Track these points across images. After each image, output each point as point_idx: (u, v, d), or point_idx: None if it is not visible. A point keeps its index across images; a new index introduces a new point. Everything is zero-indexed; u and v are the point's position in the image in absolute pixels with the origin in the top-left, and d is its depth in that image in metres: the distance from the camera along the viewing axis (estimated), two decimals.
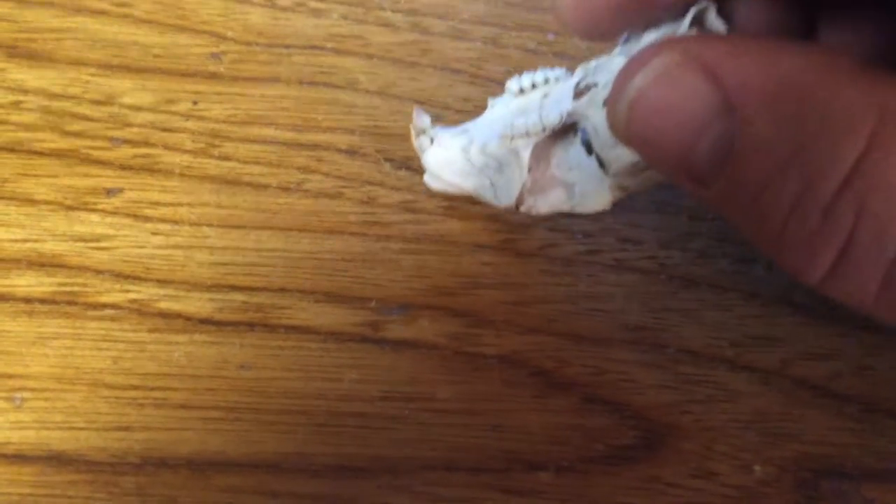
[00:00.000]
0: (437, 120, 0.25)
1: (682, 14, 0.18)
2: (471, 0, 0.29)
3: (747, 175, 0.15)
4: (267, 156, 0.25)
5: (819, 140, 0.14)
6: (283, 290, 0.22)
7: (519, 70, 0.26)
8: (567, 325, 0.23)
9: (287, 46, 0.27)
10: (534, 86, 0.22)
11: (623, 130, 0.16)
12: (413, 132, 0.23)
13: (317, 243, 0.23)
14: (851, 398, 0.22)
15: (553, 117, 0.20)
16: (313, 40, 0.27)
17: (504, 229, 0.24)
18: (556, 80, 0.22)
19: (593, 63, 0.20)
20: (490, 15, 0.29)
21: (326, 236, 0.23)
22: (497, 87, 0.27)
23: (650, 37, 0.19)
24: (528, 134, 0.21)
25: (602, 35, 0.19)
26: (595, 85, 0.20)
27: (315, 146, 0.25)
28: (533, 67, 0.27)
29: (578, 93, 0.20)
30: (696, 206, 0.25)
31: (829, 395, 0.22)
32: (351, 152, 0.25)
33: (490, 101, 0.23)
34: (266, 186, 0.24)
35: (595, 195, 0.21)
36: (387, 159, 0.25)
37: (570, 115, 0.20)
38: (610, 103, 0.17)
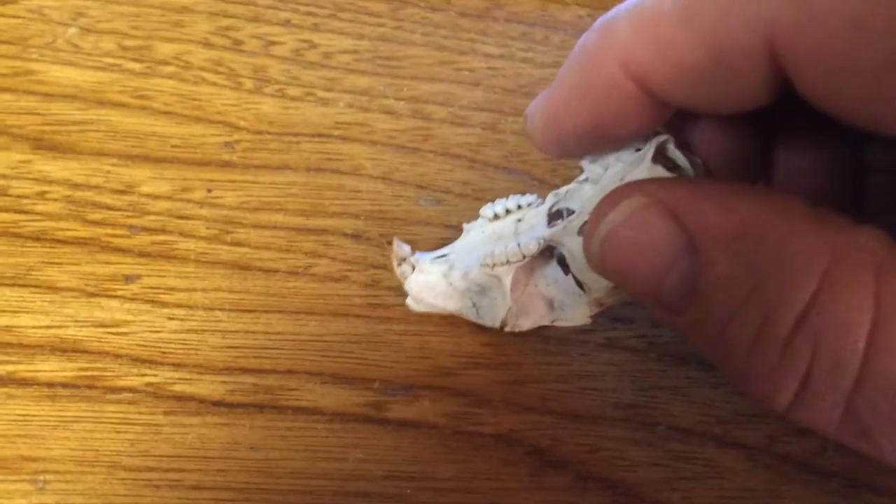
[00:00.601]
0: (437, 203, 0.27)
1: (644, 138, 0.20)
2: (469, 88, 0.31)
3: (711, 310, 0.16)
4: (277, 241, 0.26)
5: (775, 279, 0.15)
6: (290, 371, 0.24)
7: (515, 154, 0.28)
8: (561, 403, 0.24)
9: (296, 134, 0.29)
10: (507, 211, 0.23)
11: (598, 265, 0.18)
12: (394, 260, 0.24)
13: (323, 326, 0.25)
14: (835, 474, 0.23)
15: (531, 246, 0.22)
16: (320, 128, 0.29)
17: None
18: (528, 205, 0.23)
19: (563, 190, 0.22)
20: (488, 102, 0.31)
21: (332, 319, 0.25)
22: (494, 171, 0.29)
23: (612, 160, 0.20)
24: (508, 262, 0.22)
25: (568, 155, 0.21)
26: (569, 211, 0.21)
27: (322, 231, 0.27)
28: (529, 152, 0.29)
29: (552, 216, 0.22)
30: None
31: (813, 471, 0.23)
32: (356, 236, 0.26)
33: (465, 227, 0.25)
34: (275, 271, 0.26)
35: (574, 310, 0.22)
36: (390, 243, 0.26)
37: (546, 241, 0.22)
38: (585, 240, 0.18)
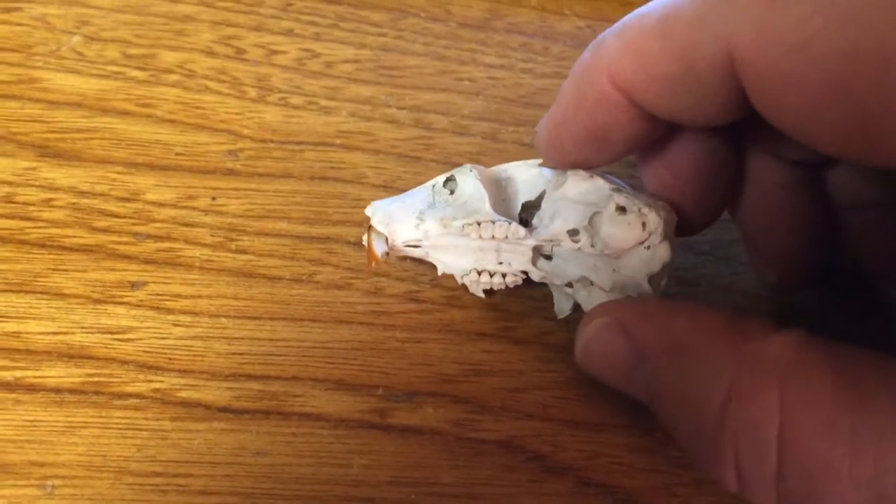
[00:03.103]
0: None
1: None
2: (470, 97, 0.31)
3: (664, 412, 0.19)
4: (281, 249, 0.26)
5: (698, 388, 0.17)
6: (295, 378, 0.24)
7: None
8: (562, 410, 0.24)
9: (299, 143, 0.29)
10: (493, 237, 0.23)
11: (582, 365, 0.21)
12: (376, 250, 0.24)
13: (327, 333, 0.25)
14: None
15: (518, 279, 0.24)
16: (323, 137, 0.29)
17: (502, 318, 0.26)
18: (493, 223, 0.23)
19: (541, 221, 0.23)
20: (488, 111, 0.31)
21: (336, 326, 0.25)
22: None
23: (572, 178, 0.23)
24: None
25: (570, 165, 0.22)
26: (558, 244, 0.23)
27: (326, 239, 0.27)
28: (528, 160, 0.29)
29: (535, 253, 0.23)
30: (683, 292, 0.27)
31: None
32: (359, 244, 0.27)
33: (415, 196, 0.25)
34: (280, 278, 0.26)
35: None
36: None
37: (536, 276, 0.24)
38: (576, 343, 0.22)
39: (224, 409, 0.23)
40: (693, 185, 0.22)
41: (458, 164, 0.29)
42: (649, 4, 0.18)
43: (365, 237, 0.24)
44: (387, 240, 0.24)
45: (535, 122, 0.30)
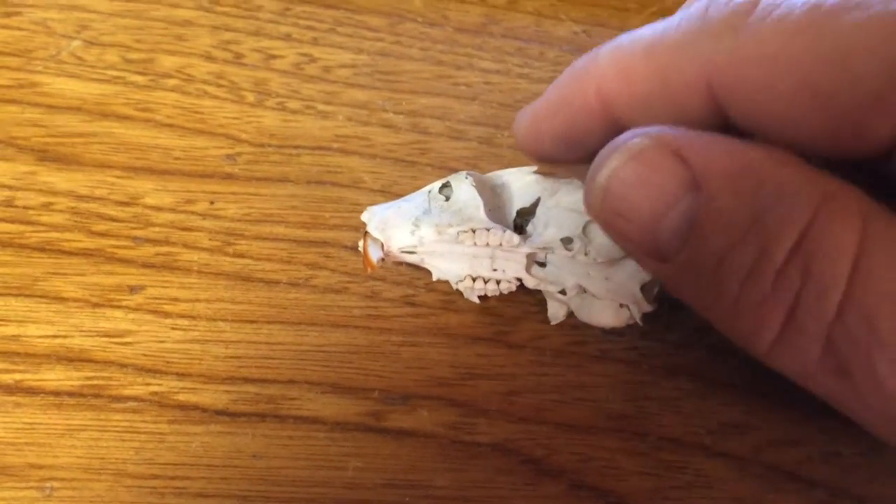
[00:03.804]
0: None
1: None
2: (466, 102, 0.32)
3: (708, 246, 0.16)
4: (278, 253, 0.27)
5: (773, 213, 0.16)
6: (292, 381, 0.24)
7: (511, 167, 0.29)
8: (556, 414, 0.24)
9: (296, 147, 0.29)
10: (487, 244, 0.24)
11: (598, 206, 0.18)
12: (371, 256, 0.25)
13: (324, 336, 0.25)
14: (819, 483, 0.24)
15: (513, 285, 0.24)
16: (320, 141, 0.30)
17: (497, 322, 0.26)
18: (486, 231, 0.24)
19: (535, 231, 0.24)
20: (484, 116, 0.31)
21: (332, 329, 0.25)
22: None
23: (566, 187, 0.24)
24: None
25: (540, 156, 0.23)
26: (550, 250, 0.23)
27: (323, 243, 0.27)
28: (524, 165, 0.29)
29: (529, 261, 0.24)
30: (675, 298, 0.27)
31: (800, 480, 0.24)
32: (356, 248, 0.27)
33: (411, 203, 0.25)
34: (277, 282, 0.26)
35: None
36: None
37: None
38: (588, 182, 0.19)
39: (221, 412, 0.24)
40: None
41: (455, 169, 0.29)
42: (644, 27, 0.20)
43: (361, 242, 0.24)
44: (382, 245, 0.24)
45: None
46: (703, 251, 0.17)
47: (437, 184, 0.24)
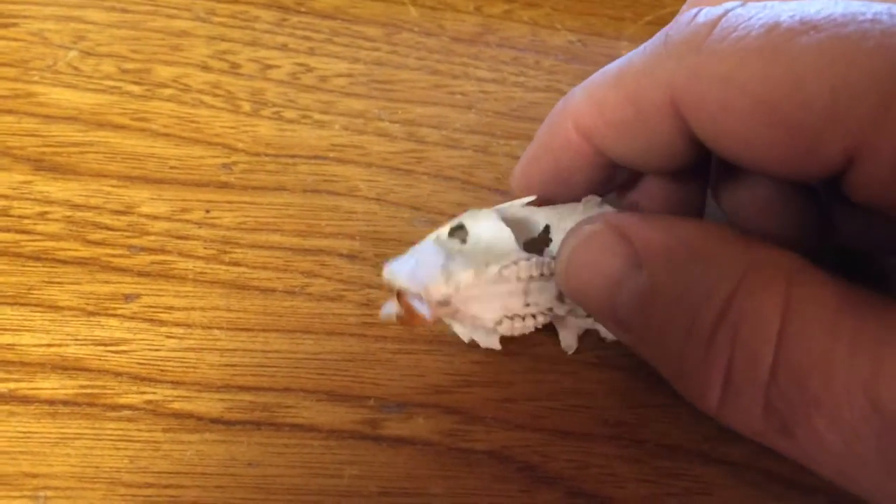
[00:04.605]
0: (431, 224, 0.28)
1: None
2: (462, 111, 0.32)
3: (653, 318, 0.18)
4: (274, 261, 0.27)
5: (701, 285, 0.17)
6: (287, 389, 0.24)
7: (507, 176, 0.29)
8: (552, 421, 0.24)
9: (292, 156, 0.29)
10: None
11: (563, 285, 0.21)
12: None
13: (319, 344, 0.25)
14: (818, 490, 0.23)
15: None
16: (317, 150, 0.30)
17: None
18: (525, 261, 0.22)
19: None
20: (480, 124, 0.31)
21: (328, 337, 0.25)
22: (487, 193, 0.29)
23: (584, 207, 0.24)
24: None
25: (540, 202, 0.24)
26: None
27: (318, 251, 0.27)
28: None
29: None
30: None
31: (797, 487, 0.24)
32: (351, 257, 0.27)
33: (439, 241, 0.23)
34: (272, 290, 0.26)
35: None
36: (385, 263, 0.27)
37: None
38: (555, 262, 0.21)
39: (216, 421, 0.23)
40: (661, 210, 0.24)
41: (450, 178, 0.29)
42: (615, 61, 0.21)
43: (390, 305, 0.22)
44: (421, 297, 0.21)
45: (527, 135, 0.31)
46: (650, 322, 0.18)
47: (444, 229, 0.22)
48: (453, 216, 0.23)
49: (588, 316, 0.24)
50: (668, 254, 0.18)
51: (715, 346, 0.17)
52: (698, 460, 0.24)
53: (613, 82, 0.20)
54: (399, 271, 0.21)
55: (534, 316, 0.23)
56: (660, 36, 0.19)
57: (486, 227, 0.22)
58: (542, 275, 0.22)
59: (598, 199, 0.24)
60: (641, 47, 0.20)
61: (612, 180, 0.23)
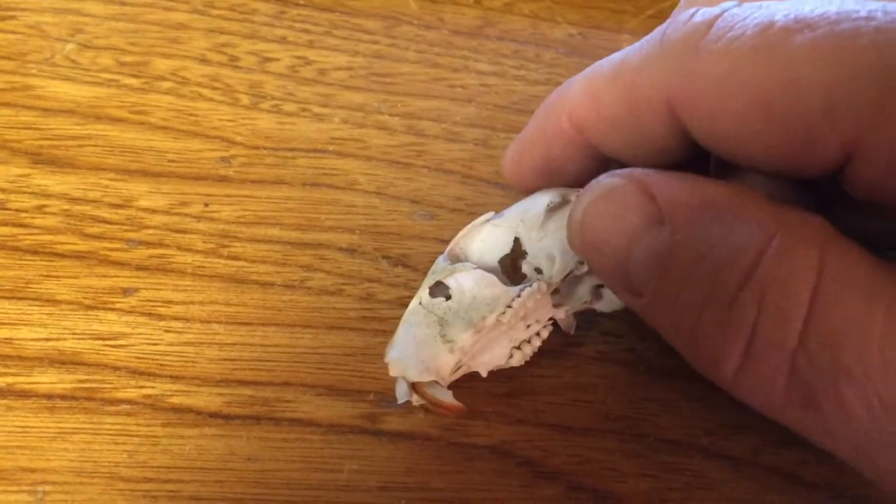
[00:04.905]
0: (430, 218, 0.27)
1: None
2: (463, 104, 0.31)
3: (670, 278, 0.17)
4: (273, 255, 0.27)
5: (726, 242, 0.16)
6: (286, 384, 0.24)
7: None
8: (553, 415, 0.24)
9: (292, 150, 0.29)
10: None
11: (577, 241, 0.20)
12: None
13: (318, 338, 0.25)
14: (819, 485, 0.23)
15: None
16: (316, 143, 0.30)
17: None
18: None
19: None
20: (480, 118, 0.31)
21: (327, 332, 0.25)
22: (487, 186, 0.29)
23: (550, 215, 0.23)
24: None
25: (527, 188, 0.24)
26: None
27: (318, 245, 0.27)
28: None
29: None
30: None
31: (798, 482, 0.24)
32: (351, 251, 0.27)
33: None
34: (272, 284, 0.26)
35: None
36: (384, 257, 0.27)
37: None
38: (568, 219, 0.20)
39: (215, 415, 0.23)
40: None
41: (451, 171, 0.29)
42: (613, 54, 0.21)
43: (414, 398, 0.22)
44: (438, 383, 0.22)
45: None
46: (667, 282, 0.17)
47: (423, 292, 0.22)
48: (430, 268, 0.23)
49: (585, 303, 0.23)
50: (694, 211, 0.17)
51: (738, 309, 0.16)
52: (699, 455, 0.24)
53: (609, 78, 0.20)
54: (405, 363, 0.21)
55: (538, 333, 0.23)
56: (657, 34, 0.19)
57: (466, 277, 0.22)
58: (536, 301, 0.22)
59: (565, 190, 0.23)
60: (638, 44, 0.20)
61: (602, 172, 0.23)
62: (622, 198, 0.18)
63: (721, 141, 0.18)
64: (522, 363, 0.23)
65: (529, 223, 0.22)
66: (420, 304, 0.22)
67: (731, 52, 0.17)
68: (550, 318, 0.23)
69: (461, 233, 0.23)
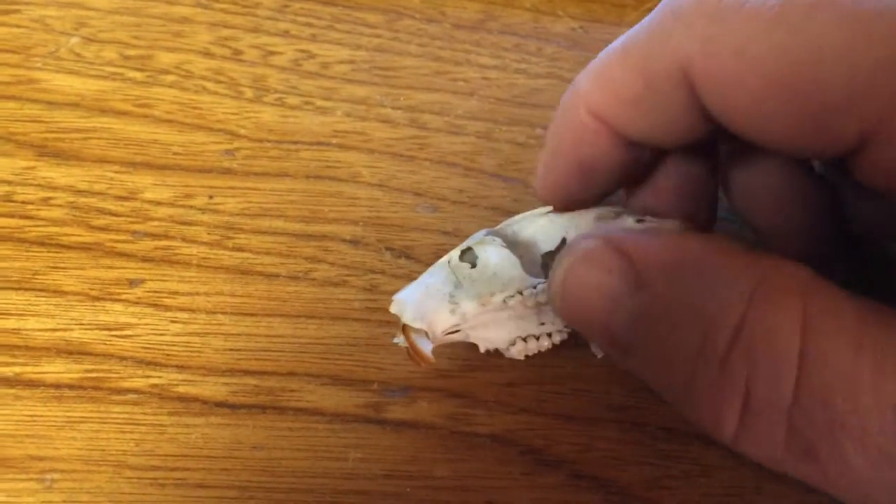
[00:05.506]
0: (433, 210, 0.28)
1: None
2: (465, 97, 0.32)
3: (657, 339, 0.17)
4: (277, 247, 0.27)
5: (711, 302, 0.16)
6: (291, 373, 0.24)
7: (509, 162, 0.29)
8: (555, 405, 0.24)
9: (295, 143, 0.30)
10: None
11: (558, 306, 0.19)
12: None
13: (323, 329, 0.25)
14: None
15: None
16: (319, 136, 0.30)
17: None
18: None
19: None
20: (482, 111, 0.31)
21: (332, 322, 0.25)
22: (490, 179, 0.29)
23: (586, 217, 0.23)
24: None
25: (566, 201, 0.23)
26: None
27: (322, 237, 0.27)
28: (523, 160, 0.29)
29: None
30: None
31: None
32: (354, 242, 0.27)
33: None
34: (276, 276, 0.26)
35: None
36: (387, 248, 0.27)
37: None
38: (548, 283, 0.20)
39: (221, 404, 0.24)
40: (674, 207, 0.23)
41: (453, 164, 0.29)
42: (614, 41, 0.20)
43: (400, 338, 0.22)
44: (427, 334, 0.22)
45: (528, 121, 0.31)
46: (654, 345, 0.17)
47: (455, 252, 0.22)
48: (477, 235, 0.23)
49: None
50: (670, 269, 0.17)
51: (730, 369, 0.16)
52: (698, 443, 0.24)
53: (620, 58, 0.19)
54: (405, 304, 0.21)
55: (549, 335, 0.23)
56: (665, 4, 0.18)
57: (494, 252, 0.22)
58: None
59: (613, 209, 0.23)
60: (643, 21, 0.19)
61: (633, 163, 0.22)
62: (599, 261, 0.18)
63: (734, 117, 0.17)
64: (522, 358, 0.23)
65: (579, 229, 0.23)
66: (448, 262, 0.22)
67: (749, 23, 0.16)
68: (567, 327, 0.23)
69: (518, 216, 0.23)
